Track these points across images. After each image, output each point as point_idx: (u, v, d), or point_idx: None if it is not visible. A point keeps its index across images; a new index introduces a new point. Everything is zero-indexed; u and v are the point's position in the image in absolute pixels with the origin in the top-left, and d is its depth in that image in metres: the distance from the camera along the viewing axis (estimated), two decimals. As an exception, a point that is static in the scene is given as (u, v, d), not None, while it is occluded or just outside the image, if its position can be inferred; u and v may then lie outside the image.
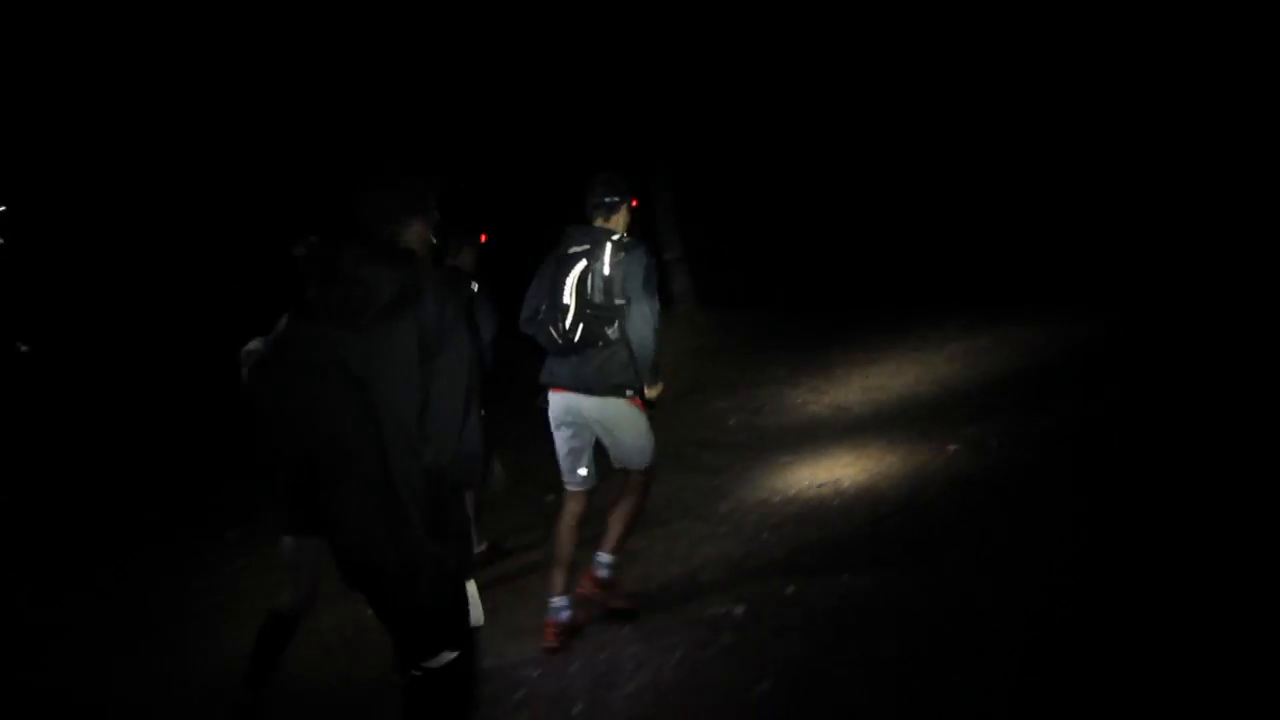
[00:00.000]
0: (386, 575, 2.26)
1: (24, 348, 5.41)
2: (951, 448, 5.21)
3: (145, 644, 4.93)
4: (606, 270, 3.59)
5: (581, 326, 3.57)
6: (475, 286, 4.51)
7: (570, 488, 3.87)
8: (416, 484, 2.22)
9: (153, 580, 5.96)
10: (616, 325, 3.62)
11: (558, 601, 3.77)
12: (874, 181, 12.51)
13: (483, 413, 2.44)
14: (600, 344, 3.60)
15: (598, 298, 3.57)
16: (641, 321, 3.62)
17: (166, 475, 8.14)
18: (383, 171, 2.52)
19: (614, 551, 3.91)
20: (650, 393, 3.80)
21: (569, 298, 3.59)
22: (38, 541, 6.68)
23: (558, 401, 3.75)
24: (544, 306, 3.66)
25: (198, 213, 11.65)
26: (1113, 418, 5.12)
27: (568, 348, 3.62)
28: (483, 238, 4.97)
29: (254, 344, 3.33)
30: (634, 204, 3.85)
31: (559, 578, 3.79)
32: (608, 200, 3.74)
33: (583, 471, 3.81)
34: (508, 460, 5.14)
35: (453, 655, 2.34)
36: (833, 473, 5.30)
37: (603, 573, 3.93)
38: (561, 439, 3.81)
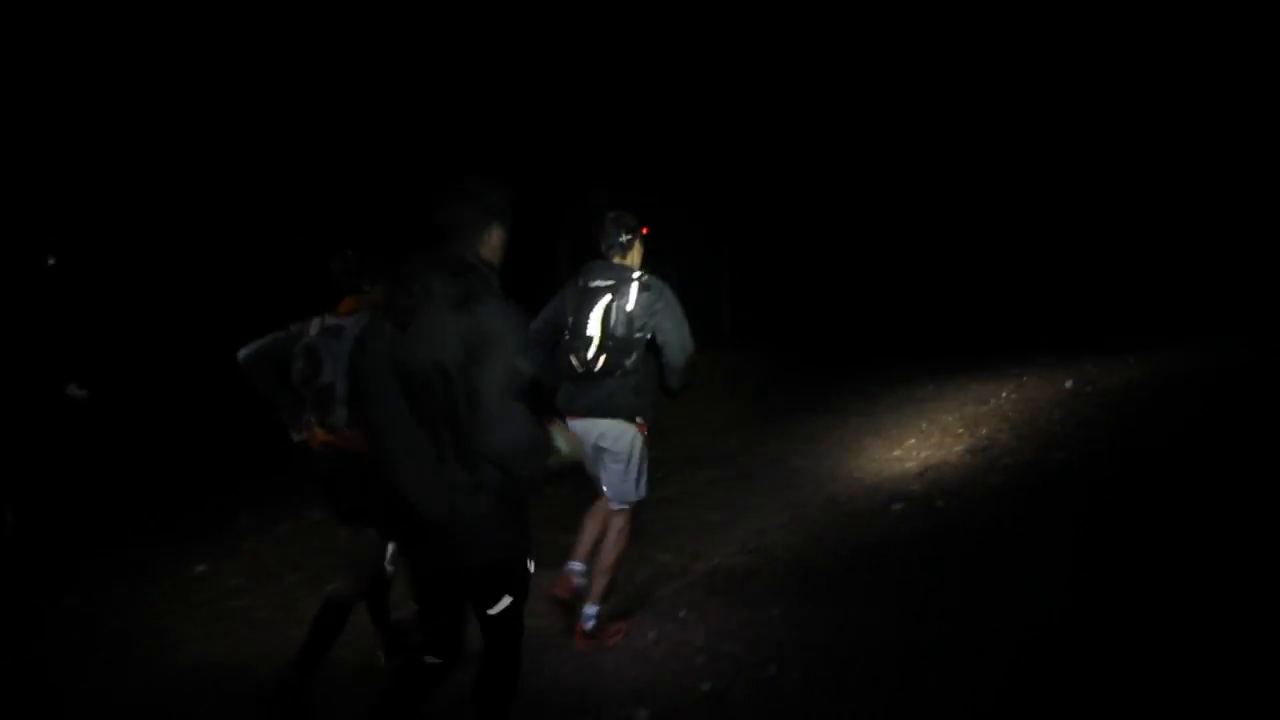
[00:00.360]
0: (449, 519, 2.50)
1: (80, 392, 4.84)
2: (896, 506, 4.68)
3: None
4: (630, 306, 3.80)
5: (604, 356, 3.79)
6: None
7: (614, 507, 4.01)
8: (464, 459, 2.47)
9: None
10: (635, 356, 3.84)
11: (575, 565, 3.94)
12: (831, 231, 12.45)
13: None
14: (618, 372, 3.83)
15: (620, 330, 3.79)
16: (680, 352, 3.89)
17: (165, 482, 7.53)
18: (464, 182, 2.68)
19: (600, 603, 3.90)
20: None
21: (594, 329, 3.79)
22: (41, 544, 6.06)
23: (574, 428, 3.80)
24: (565, 335, 3.87)
25: (201, 215, 11.38)
26: (1066, 474, 4.66)
27: (587, 375, 3.83)
28: None
29: (247, 350, 3.72)
30: (644, 231, 4.05)
31: (581, 547, 3.99)
32: (623, 240, 3.94)
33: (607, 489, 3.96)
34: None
35: (511, 600, 2.63)
36: (764, 536, 4.73)
37: (589, 624, 3.89)
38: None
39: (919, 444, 5.91)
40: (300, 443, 3.74)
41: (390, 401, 2.53)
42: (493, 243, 2.66)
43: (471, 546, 2.53)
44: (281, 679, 3.47)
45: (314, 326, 3.71)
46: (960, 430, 5.99)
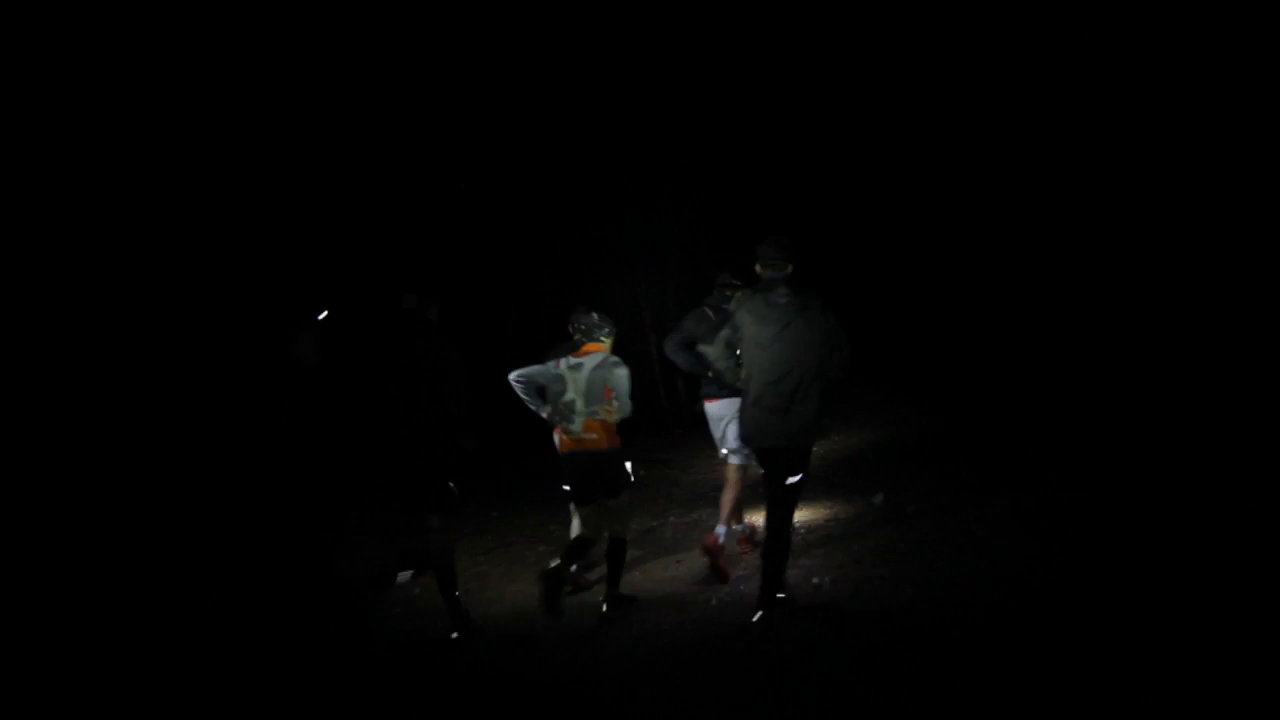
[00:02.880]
0: (789, 433, 4.75)
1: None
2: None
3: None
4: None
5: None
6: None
7: (729, 456, 6.00)
8: (812, 390, 4.75)
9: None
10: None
11: (720, 529, 5.85)
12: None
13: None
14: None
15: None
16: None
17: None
18: (779, 240, 4.84)
19: (727, 523, 5.91)
20: None
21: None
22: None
23: (717, 408, 5.99)
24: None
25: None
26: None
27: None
28: None
29: (516, 373, 5.45)
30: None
31: (723, 512, 5.95)
32: (734, 281, 6.05)
33: (735, 444, 5.90)
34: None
35: (801, 476, 4.83)
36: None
37: (721, 540, 5.82)
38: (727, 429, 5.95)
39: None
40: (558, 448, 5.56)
41: (767, 354, 4.69)
42: (790, 271, 4.82)
43: (795, 437, 4.73)
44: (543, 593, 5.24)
45: (563, 363, 5.47)
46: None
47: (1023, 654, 3.92)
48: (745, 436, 4.92)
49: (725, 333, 4.92)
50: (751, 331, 4.78)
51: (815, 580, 5.38)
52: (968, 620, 4.41)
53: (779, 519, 4.81)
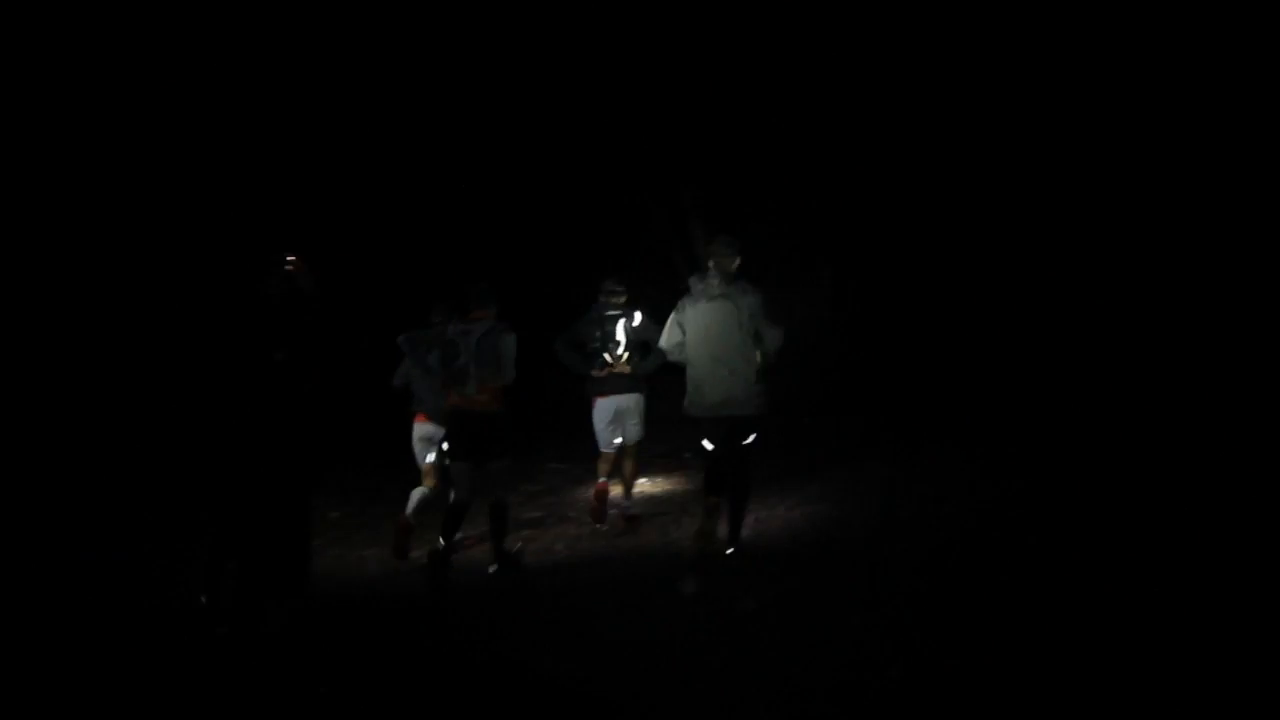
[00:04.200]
0: (736, 401, 5.28)
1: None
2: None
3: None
4: (635, 323, 6.55)
5: (627, 355, 6.54)
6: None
7: (605, 450, 6.79)
8: (749, 362, 5.27)
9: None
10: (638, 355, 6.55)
11: (624, 501, 6.83)
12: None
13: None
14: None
15: (634, 337, 6.59)
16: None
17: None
18: (724, 239, 5.43)
19: (628, 496, 6.84)
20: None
21: (620, 337, 6.57)
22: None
23: (608, 403, 6.68)
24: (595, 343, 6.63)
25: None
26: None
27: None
28: None
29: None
30: None
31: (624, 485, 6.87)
32: (621, 289, 6.71)
33: (618, 440, 6.75)
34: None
35: (754, 437, 5.35)
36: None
37: (627, 509, 6.78)
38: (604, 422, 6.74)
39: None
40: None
41: (706, 335, 5.23)
42: (735, 265, 5.37)
43: (744, 405, 5.25)
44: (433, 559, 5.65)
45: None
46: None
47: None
48: (691, 407, 5.42)
49: (673, 325, 5.47)
50: (692, 316, 5.36)
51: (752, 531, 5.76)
52: (908, 553, 4.92)
53: (740, 475, 5.36)
